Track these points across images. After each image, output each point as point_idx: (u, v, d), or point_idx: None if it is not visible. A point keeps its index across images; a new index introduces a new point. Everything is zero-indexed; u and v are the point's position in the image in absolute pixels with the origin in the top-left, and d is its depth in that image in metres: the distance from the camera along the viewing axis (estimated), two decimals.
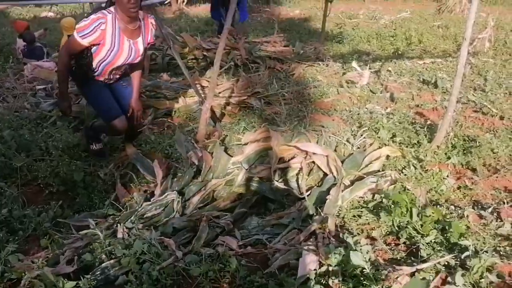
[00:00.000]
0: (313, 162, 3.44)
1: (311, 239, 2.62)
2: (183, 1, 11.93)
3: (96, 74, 3.31)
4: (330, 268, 2.27)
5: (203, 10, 11.77)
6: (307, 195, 3.07)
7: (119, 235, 2.57)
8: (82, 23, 3.01)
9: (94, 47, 3.14)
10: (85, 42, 3.04)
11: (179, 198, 2.95)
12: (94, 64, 3.23)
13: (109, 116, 3.40)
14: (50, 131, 4.11)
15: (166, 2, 11.79)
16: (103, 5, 3.20)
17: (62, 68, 3.21)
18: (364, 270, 2.18)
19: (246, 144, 3.76)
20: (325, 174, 3.35)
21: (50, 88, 5.27)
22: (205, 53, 6.56)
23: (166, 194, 2.96)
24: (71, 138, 3.91)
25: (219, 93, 5.04)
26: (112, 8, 3.11)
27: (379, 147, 3.75)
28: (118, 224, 2.66)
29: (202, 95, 4.61)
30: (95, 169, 3.58)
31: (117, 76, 3.49)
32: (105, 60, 3.22)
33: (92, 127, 3.75)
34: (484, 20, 8.37)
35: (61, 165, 3.42)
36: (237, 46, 6.68)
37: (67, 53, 3.16)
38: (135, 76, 3.57)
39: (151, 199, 2.98)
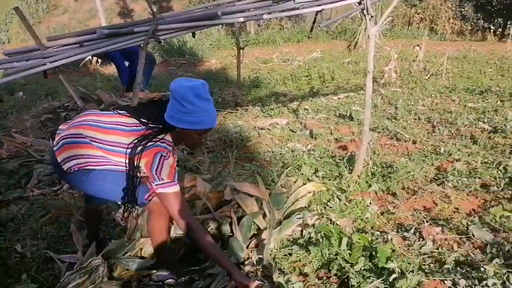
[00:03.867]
0: (239, 206, 3.44)
1: None
2: (97, 62, 11.85)
3: None
4: None
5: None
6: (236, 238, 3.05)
7: None
8: (163, 174, 2.33)
9: None
10: (178, 185, 2.44)
11: (104, 261, 2.83)
12: None
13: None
14: None
15: (80, 65, 11.65)
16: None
17: (200, 231, 2.46)
18: None
19: None
20: None
21: None
22: None
23: (90, 260, 2.82)
24: None
25: None
26: (167, 137, 2.45)
27: (304, 184, 3.82)
28: None
29: None
30: (11, 243, 3.36)
31: None
32: None
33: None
34: (389, 53, 8.92)
35: None
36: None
37: (186, 212, 2.43)
38: None
39: (74, 267, 2.83)
